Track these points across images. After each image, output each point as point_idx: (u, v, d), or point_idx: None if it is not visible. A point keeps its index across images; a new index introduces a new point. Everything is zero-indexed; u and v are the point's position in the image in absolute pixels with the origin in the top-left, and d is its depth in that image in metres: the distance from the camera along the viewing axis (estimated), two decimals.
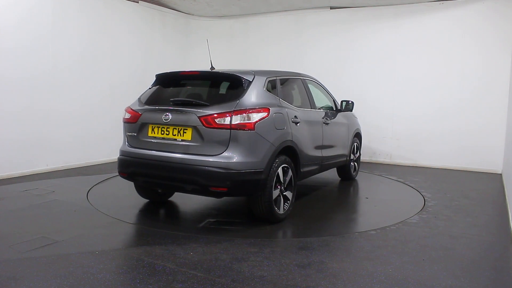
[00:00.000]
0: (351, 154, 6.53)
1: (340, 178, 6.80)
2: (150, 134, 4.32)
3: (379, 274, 3.17)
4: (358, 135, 6.80)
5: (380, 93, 8.42)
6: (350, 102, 6.15)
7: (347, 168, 6.54)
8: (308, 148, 4.94)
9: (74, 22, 7.09)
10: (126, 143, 4.58)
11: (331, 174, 6.89)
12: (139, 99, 4.70)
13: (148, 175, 4.36)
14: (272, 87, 4.62)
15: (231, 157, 3.93)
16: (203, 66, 9.21)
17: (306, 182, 6.56)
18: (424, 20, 8.00)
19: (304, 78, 5.57)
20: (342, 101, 6.15)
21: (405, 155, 8.35)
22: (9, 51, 6.16)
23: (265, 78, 4.53)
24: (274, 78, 4.72)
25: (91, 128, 7.43)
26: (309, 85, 5.62)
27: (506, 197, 5.63)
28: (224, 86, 4.52)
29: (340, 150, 6.03)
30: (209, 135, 3.97)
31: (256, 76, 4.41)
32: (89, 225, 4.26)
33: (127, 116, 4.55)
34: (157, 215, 4.86)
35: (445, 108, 7.89)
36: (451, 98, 7.84)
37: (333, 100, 6.12)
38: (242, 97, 4.13)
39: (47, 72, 6.71)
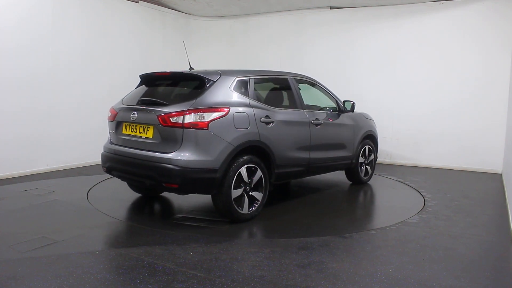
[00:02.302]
0: (360, 157, 6.23)
1: (351, 182, 6.47)
2: (123, 131, 4.58)
3: (379, 274, 3.17)
4: (370, 137, 6.48)
5: (380, 93, 8.42)
6: (351, 102, 5.98)
7: (355, 171, 6.24)
8: (286, 149, 4.84)
9: (74, 22, 7.09)
10: (109, 140, 4.87)
11: (342, 178, 6.57)
12: (122, 98, 4.92)
13: (119, 169, 4.60)
14: (241, 87, 4.62)
15: (183, 154, 4.03)
16: (202, 66, 9.20)
17: (308, 184, 6.57)
18: (424, 20, 8.00)
19: (294, 77, 5.41)
20: (343, 102, 6.01)
21: (405, 155, 8.35)
22: (9, 51, 6.16)
23: (234, 78, 4.56)
24: (247, 78, 4.70)
25: (91, 128, 7.42)
26: (301, 85, 5.56)
27: (506, 197, 5.63)
28: (189, 86, 4.61)
29: (341, 152, 5.83)
30: (165, 133, 4.13)
31: (222, 76, 4.48)
32: (89, 225, 4.26)
33: (109, 114, 4.83)
34: (158, 215, 4.87)
35: (445, 108, 7.89)
36: (451, 98, 7.84)
37: (336, 101, 5.93)
38: (199, 96, 4.23)
39: (47, 72, 6.71)
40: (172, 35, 9.33)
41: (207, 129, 4.07)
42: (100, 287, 2.88)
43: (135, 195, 5.44)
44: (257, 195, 4.52)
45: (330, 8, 8.76)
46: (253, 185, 4.47)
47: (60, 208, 4.82)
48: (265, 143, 4.53)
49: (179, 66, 8.88)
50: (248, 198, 4.43)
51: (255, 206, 4.50)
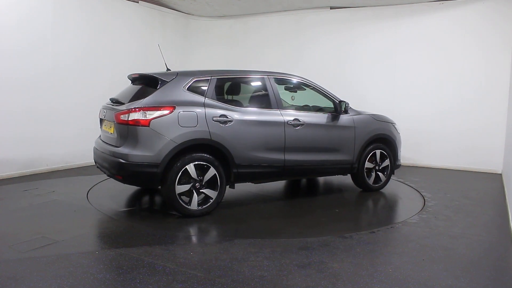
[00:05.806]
0: (368, 162, 5.80)
1: (360, 189, 6.03)
2: (103, 128, 5.10)
3: (379, 274, 3.18)
4: (384, 141, 5.96)
5: (380, 93, 8.41)
6: (344, 103, 5.55)
7: (360, 177, 5.82)
8: (249, 149, 4.78)
9: (74, 22, 7.08)
10: (99, 135, 5.33)
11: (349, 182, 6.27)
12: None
13: (97, 162, 5.05)
14: (198, 86, 4.75)
15: (127, 149, 4.38)
16: (201, 66, 9.15)
17: (310, 185, 6.56)
18: (424, 20, 7.99)
19: (274, 77, 5.25)
20: (339, 102, 5.61)
21: (405, 155, 8.33)
22: (9, 51, 6.15)
23: (190, 78, 4.73)
24: (207, 78, 4.82)
25: (91, 128, 7.39)
26: (291, 86, 5.57)
27: (506, 197, 5.63)
28: (147, 86, 4.82)
29: (335, 155, 5.49)
30: (119, 129, 4.52)
31: (178, 77, 4.71)
32: (89, 225, 4.27)
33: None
34: (158, 215, 4.86)
35: (445, 108, 7.89)
36: (451, 98, 7.83)
37: (334, 102, 5.59)
38: (148, 96, 4.52)
39: (48, 72, 6.71)
40: (172, 35, 9.33)
41: (148, 126, 4.33)
42: (100, 287, 2.88)
43: (135, 195, 5.45)
44: (211, 192, 4.59)
45: (330, 8, 8.76)
46: (206, 183, 4.56)
47: (60, 208, 4.82)
48: (218, 142, 4.59)
49: (179, 66, 8.89)
50: (199, 195, 4.55)
51: (207, 204, 4.59)
